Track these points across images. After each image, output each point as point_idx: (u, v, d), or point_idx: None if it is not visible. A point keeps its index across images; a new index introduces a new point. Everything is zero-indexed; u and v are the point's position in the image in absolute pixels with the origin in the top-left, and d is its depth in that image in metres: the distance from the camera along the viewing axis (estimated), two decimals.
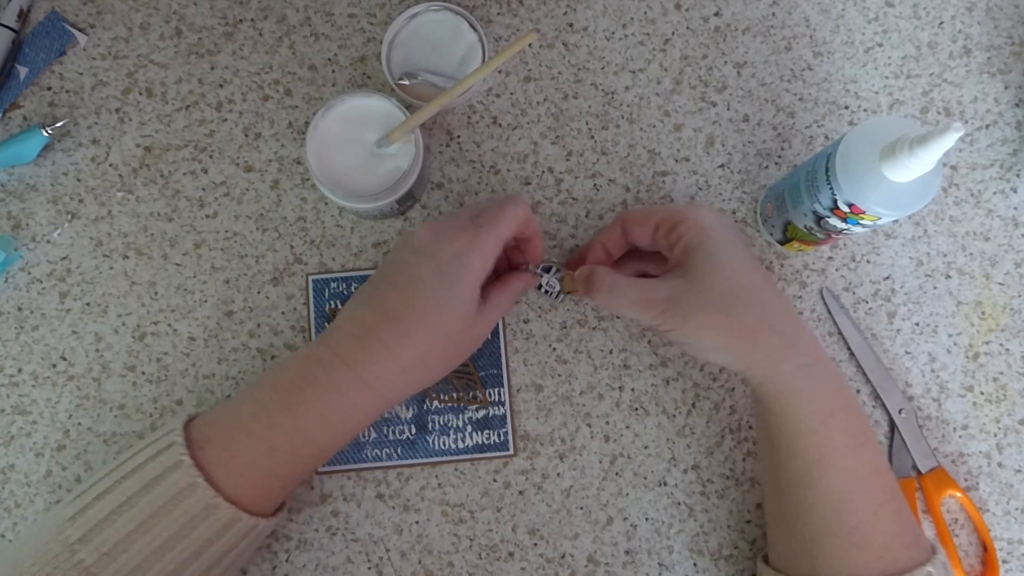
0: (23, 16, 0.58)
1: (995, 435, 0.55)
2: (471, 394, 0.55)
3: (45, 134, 0.54)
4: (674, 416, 0.55)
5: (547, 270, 0.54)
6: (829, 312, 0.56)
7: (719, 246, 0.46)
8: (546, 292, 0.55)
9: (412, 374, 0.46)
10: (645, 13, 0.60)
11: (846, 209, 0.45)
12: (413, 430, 0.54)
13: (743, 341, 0.45)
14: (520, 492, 0.54)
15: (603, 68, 0.59)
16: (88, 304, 0.55)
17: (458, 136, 0.58)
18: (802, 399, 0.44)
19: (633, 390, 0.55)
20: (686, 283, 0.46)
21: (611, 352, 0.56)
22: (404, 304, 0.45)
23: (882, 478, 0.45)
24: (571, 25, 0.59)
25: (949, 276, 0.57)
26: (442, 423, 0.54)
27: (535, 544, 0.53)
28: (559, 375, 0.55)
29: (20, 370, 0.54)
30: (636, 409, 0.55)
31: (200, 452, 0.43)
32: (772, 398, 0.45)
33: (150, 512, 0.42)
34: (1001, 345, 0.56)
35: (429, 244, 0.46)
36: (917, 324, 0.56)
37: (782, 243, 0.55)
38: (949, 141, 0.38)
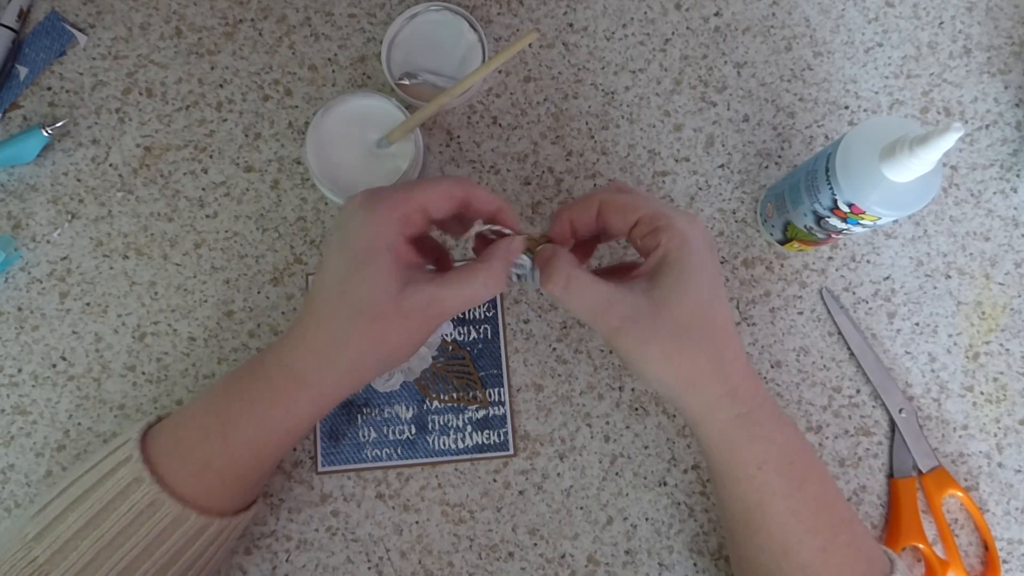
0: (23, 16, 0.58)
1: (995, 435, 0.55)
2: (471, 394, 0.55)
3: (45, 134, 0.54)
4: (674, 416, 0.55)
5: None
6: (829, 312, 0.56)
7: (695, 270, 0.42)
8: (518, 277, 0.47)
9: (330, 355, 0.41)
10: (645, 13, 0.60)
11: (846, 209, 0.45)
12: (413, 430, 0.54)
13: (685, 385, 0.43)
14: (520, 492, 0.54)
15: (603, 68, 0.59)
16: (88, 304, 0.55)
17: (458, 136, 0.58)
18: (735, 447, 0.43)
19: (633, 390, 0.55)
20: (650, 304, 0.42)
21: (611, 352, 0.55)
22: (314, 281, 0.43)
23: (829, 512, 0.43)
24: (571, 25, 0.59)
25: (949, 276, 0.57)
26: (442, 423, 0.54)
27: (535, 544, 0.53)
28: (559, 375, 0.55)
29: (20, 370, 0.54)
30: (636, 409, 0.55)
31: (152, 443, 0.44)
32: (706, 443, 0.44)
33: (99, 508, 0.41)
34: (1001, 345, 0.56)
35: (342, 213, 0.42)
36: (917, 324, 0.56)
37: (782, 243, 0.55)
38: (949, 141, 0.38)
